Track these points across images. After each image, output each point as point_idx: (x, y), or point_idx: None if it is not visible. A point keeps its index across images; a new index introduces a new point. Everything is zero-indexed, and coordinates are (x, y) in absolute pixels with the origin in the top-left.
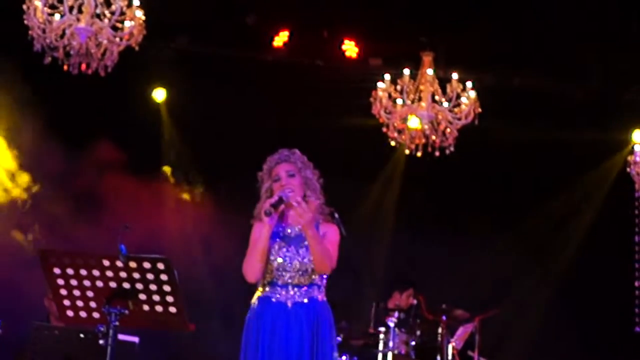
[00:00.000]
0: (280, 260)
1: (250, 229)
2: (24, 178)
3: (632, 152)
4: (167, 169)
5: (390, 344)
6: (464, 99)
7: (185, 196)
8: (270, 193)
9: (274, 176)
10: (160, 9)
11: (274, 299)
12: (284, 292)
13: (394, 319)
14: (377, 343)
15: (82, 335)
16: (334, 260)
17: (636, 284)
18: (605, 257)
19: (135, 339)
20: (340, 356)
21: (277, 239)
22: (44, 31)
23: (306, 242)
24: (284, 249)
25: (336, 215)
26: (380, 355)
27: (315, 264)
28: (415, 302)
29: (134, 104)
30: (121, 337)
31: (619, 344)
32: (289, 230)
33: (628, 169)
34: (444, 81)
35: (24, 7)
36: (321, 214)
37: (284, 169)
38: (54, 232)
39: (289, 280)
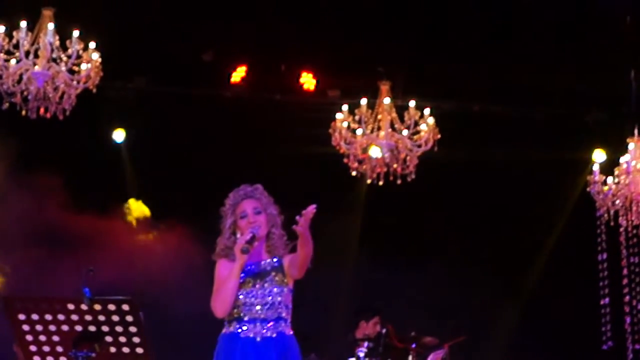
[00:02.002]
0: (246, 295)
1: (213, 265)
2: None
3: (591, 172)
4: (130, 207)
5: None
6: (423, 126)
7: (149, 235)
8: (233, 228)
9: (239, 212)
10: (117, 51)
11: (242, 335)
12: (252, 327)
13: (364, 349)
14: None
15: None
16: (309, 264)
17: (602, 302)
18: (571, 277)
19: None
20: None
21: (243, 275)
22: (0, 77)
23: (271, 277)
24: (250, 284)
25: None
26: None
27: (298, 264)
28: (382, 329)
29: (93, 145)
30: None
31: None
32: (253, 266)
33: (588, 189)
34: (403, 110)
35: None
36: (284, 248)
37: (250, 206)
38: (23, 277)
39: (257, 315)
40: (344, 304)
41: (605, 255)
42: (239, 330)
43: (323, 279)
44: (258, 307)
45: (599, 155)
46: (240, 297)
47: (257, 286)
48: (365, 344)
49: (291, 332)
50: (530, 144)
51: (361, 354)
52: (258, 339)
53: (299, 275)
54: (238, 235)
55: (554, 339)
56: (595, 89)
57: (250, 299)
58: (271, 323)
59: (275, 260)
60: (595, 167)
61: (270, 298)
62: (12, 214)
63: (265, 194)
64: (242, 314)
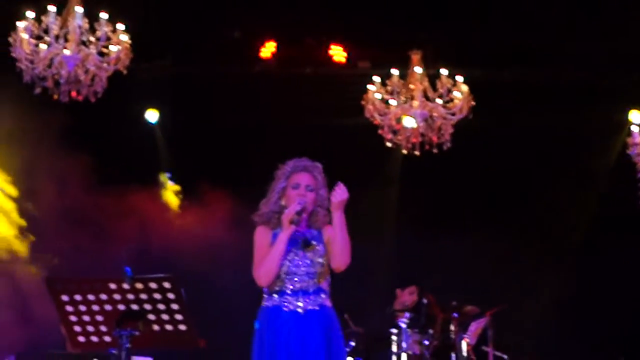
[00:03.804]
0: (289, 265)
1: (252, 231)
2: (27, 206)
3: (629, 134)
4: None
5: (404, 344)
6: (456, 94)
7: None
8: (281, 194)
9: (293, 182)
10: (146, 31)
11: (285, 309)
12: (294, 300)
13: (406, 320)
14: (390, 345)
15: None
16: (350, 256)
17: None
18: (612, 241)
19: None
20: None
21: (287, 245)
22: (31, 62)
23: (312, 247)
24: (292, 254)
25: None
26: (394, 357)
27: (336, 253)
28: (423, 300)
29: (126, 126)
30: (135, 358)
31: (630, 329)
32: (296, 237)
33: (628, 151)
34: (434, 79)
35: (10, 39)
36: (325, 222)
37: (305, 180)
38: (67, 258)
39: (298, 286)
40: (383, 276)
41: None
42: (281, 304)
43: (361, 251)
44: (300, 278)
45: (636, 117)
46: (284, 267)
47: (300, 257)
48: (407, 314)
49: (331, 304)
50: (566, 108)
51: (403, 325)
52: (301, 311)
53: (338, 266)
54: (283, 203)
55: (596, 305)
56: (630, 49)
57: (293, 269)
58: (312, 295)
59: (316, 232)
60: (635, 129)
61: (312, 268)
62: (51, 200)
63: (322, 175)
64: (284, 285)
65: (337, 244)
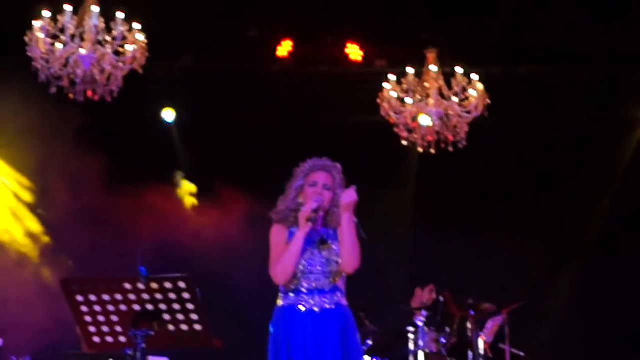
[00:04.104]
0: (305, 264)
1: (268, 230)
2: (40, 212)
3: None
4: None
5: (421, 343)
6: (472, 92)
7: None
8: (299, 192)
9: (311, 180)
10: (162, 30)
11: (301, 307)
12: (310, 299)
13: (423, 318)
14: (407, 343)
15: None
16: (360, 258)
17: None
18: (627, 237)
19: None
20: (372, 359)
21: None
22: (47, 61)
23: (328, 246)
24: (308, 252)
25: (355, 219)
26: (411, 356)
27: (344, 255)
28: (439, 297)
29: (142, 125)
30: (151, 358)
31: None
32: (312, 236)
33: None
34: (450, 77)
35: (26, 39)
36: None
37: (322, 179)
38: (82, 259)
39: (314, 285)
40: (399, 274)
41: None
42: (297, 303)
43: (377, 250)
44: (316, 277)
45: None
46: (300, 266)
47: (316, 255)
48: (423, 312)
49: (346, 303)
50: (580, 105)
51: (420, 323)
52: (317, 310)
53: (347, 268)
54: (300, 200)
55: (612, 303)
56: None
57: (309, 267)
58: (328, 294)
59: (332, 231)
60: None
61: (328, 267)
62: (67, 199)
63: (340, 175)
64: (300, 284)
65: (344, 246)
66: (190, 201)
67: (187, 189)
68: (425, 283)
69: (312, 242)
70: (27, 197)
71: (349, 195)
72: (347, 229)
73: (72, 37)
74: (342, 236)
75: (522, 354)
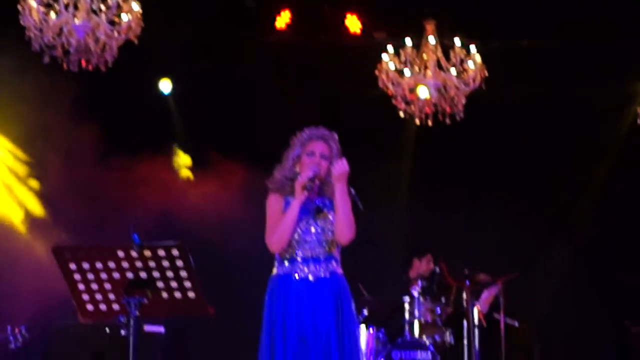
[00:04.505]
0: (301, 232)
1: (264, 200)
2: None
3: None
4: (178, 153)
5: (416, 312)
6: (470, 64)
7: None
8: (296, 161)
9: (308, 149)
10: (158, 0)
11: (296, 275)
12: (304, 268)
13: (418, 288)
14: (403, 313)
15: (107, 330)
16: (354, 229)
17: None
18: (623, 210)
19: (161, 329)
20: (367, 329)
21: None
22: (41, 31)
23: (324, 215)
24: (304, 221)
25: (352, 191)
26: (407, 325)
27: (338, 224)
28: (435, 267)
29: (139, 95)
30: (147, 328)
31: (638, 294)
32: (308, 205)
33: (639, 121)
34: (449, 49)
35: (19, 7)
36: None
37: (320, 148)
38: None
39: (309, 253)
40: (397, 244)
41: None
42: (292, 272)
43: (375, 220)
44: (311, 245)
45: None
46: (295, 235)
47: (311, 224)
48: (419, 282)
49: (342, 272)
50: (578, 78)
51: (415, 293)
52: (312, 278)
53: (341, 239)
54: (297, 170)
55: (606, 275)
56: None
57: (304, 236)
58: (323, 262)
59: (328, 201)
60: None
61: (323, 236)
62: (60, 170)
63: (337, 145)
64: (295, 253)
65: (338, 217)
66: (186, 172)
67: (183, 160)
68: (422, 252)
69: (308, 211)
70: (20, 168)
71: (340, 167)
72: (341, 200)
73: (66, 6)
74: (336, 207)
75: (516, 323)
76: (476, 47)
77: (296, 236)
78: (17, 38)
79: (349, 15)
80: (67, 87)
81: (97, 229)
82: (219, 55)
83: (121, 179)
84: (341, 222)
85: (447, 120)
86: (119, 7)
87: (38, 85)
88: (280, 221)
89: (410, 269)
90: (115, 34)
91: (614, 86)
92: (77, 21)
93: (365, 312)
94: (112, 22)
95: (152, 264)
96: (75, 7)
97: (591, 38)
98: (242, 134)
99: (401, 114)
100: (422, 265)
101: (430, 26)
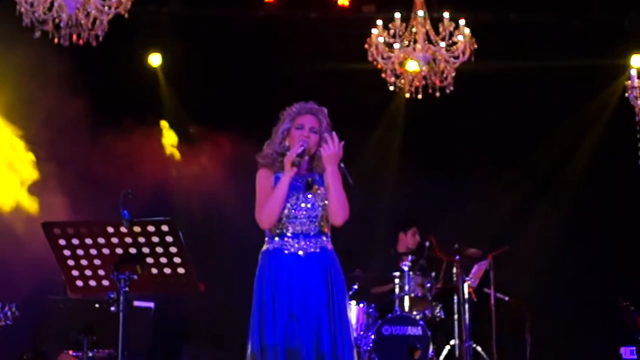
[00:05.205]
0: (291, 208)
1: (254, 174)
2: (29, 156)
3: (629, 77)
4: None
5: (406, 287)
6: (459, 38)
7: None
8: (286, 135)
9: (297, 123)
10: None
11: (286, 251)
12: (295, 243)
13: (408, 263)
14: (394, 288)
15: (97, 305)
16: (348, 209)
17: None
18: (611, 183)
19: (151, 305)
20: (358, 304)
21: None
22: (31, 5)
23: (313, 191)
24: (294, 197)
25: (342, 165)
26: (397, 300)
27: (331, 207)
28: (424, 242)
29: (129, 70)
30: (137, 303)
31: (630, 267)
32: (298, 180)
33: (627, 94)
34: (439, 22)
35: None
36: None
37: (309, 122)
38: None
39: (299, 229)
40: (386, 219)
41: None
42: (282, 247)
43: (365, 194)
44: (301, 221)
45: (637, 61)
46: (285, 210)
47: (302, 200)
48: (409, 257)
49: (332, 247)
50: (568, 52)
51: (405, 268)
52: (301, 253)
53: (335, 221)
54: (286, 144)
55: (595, 247)
56: None
57: (294, 212)
58: (313, 237)
59: (318, 176)
60: (633, 72)
61: (313, 212)
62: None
63: (327, 119)
64: (285, 229)
65: (331, 199)
66: (175, 146)
67: (173, 134)
68: (406, 225)
69: (298, 187)
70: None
71: (330, 148)
72: (332, 182)
73: None
74: (328, 189)
75: (506, 298)
76: (465, 20)
77: (286, 212)
78: (6, 14)
79: None
80: (56, 61)
81: (86, 202)
82: (209, 29)
83: (110, 153)
84: (335, 205)
85: (437, 94)
86: None
87: (28, 60)
88: (270, 197)
89: (397, 243)
90: (106, 8)
91: (603, 58)
92: None
93: (355, 287)
94: None
95: (141, 239)
96: None
97: (579, 10)
98: (232, 108)
99: (391, 88)
100: (407, 239)
101: (419, 0)
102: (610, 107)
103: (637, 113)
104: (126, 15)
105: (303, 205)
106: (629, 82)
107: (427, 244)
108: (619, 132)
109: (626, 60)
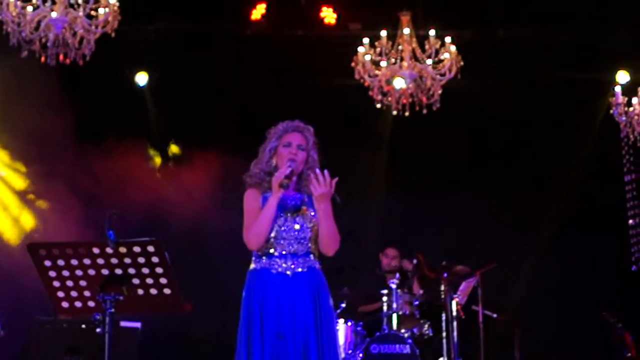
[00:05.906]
0: (278, 229)
1: (241, 193)
2: (21, 168)
3: (614, 94)
4: (153, 153)
5: (394, 305)
6: (446, 55)
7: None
8: (273, 153)
9: (284, 141)
10: None
11: (273, 271)
12: (282, 263)
13: (396, 281)
14: (381, 306)
15: (84, 326)
16: (339, 241)
17: (630, 222)
18: (598, 199)
19: (138, 325)
20: (346, 322)
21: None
22: (18, 25)
23: (302, 212)
24: (282, 218)
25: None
26: (385, 318)
27: (322, 240)
28: (412, 260)
29: (117, 89)
30: (123, 323)
31: (617, 283)
32: (285, 201)
33: (611, 111)
34: (424, 40)
35: None
36: None
37: (296, 139)
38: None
39: (287, 249)
40: (374, 237)
41: (632, 176)
42: (270, 267)
43: (352, 212)
44: (289, 241)
45: (622, 77)
46: (273, 232)
47: (289, 220)
48: (397, 275)
49: (319, 266)
50: (554, 68)
51: (393, 285)
52: (289, 273)
53: (326, 253)
54: (274, 162)
55: (584, 263)
56: (618, 9)
57: (282, 233)
58: (301, 257)
59: (306, 196)
60: (617, 89)
61: (301, 233)
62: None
63: (314, 137)
64: (272, 249)
65: (322, 234)
66: (162, 165)
67: (159, 153)
68: (382, 248)
69: (286, 208)
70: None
71: (321, 187)
72: (324, 219)
73: (44, 0)
74: (320, 225)
75: (494, 315)
76: (451, 37)
77: (274, 233)
78: None
79: (324, 7)
80: (43, 80)
81: (69, 220)
82: (195, 47)
83: (97, 172)
84: (326, 239)
85: (424, 111)
86: (96, 1)
87: (14, 79)
88: (257, 219)
89: (381, 264)
90: (93, 27)
91: (589, 74)
92: (54, 15)
93: (343, 305)
94: (89, 16)
95: (127, 260)
96: (53, 1)
97: (565, 27)
98: (219, 126)
99: (378, 105)
100: (388, 259)
101: (405, 18)
102: (596, 123)
103: (621, 129)
104: (113, 35)
105: (291, 226)
106: (614, 98)
107: (415, 261)
108: (605, 147)
109: (612, 76)
